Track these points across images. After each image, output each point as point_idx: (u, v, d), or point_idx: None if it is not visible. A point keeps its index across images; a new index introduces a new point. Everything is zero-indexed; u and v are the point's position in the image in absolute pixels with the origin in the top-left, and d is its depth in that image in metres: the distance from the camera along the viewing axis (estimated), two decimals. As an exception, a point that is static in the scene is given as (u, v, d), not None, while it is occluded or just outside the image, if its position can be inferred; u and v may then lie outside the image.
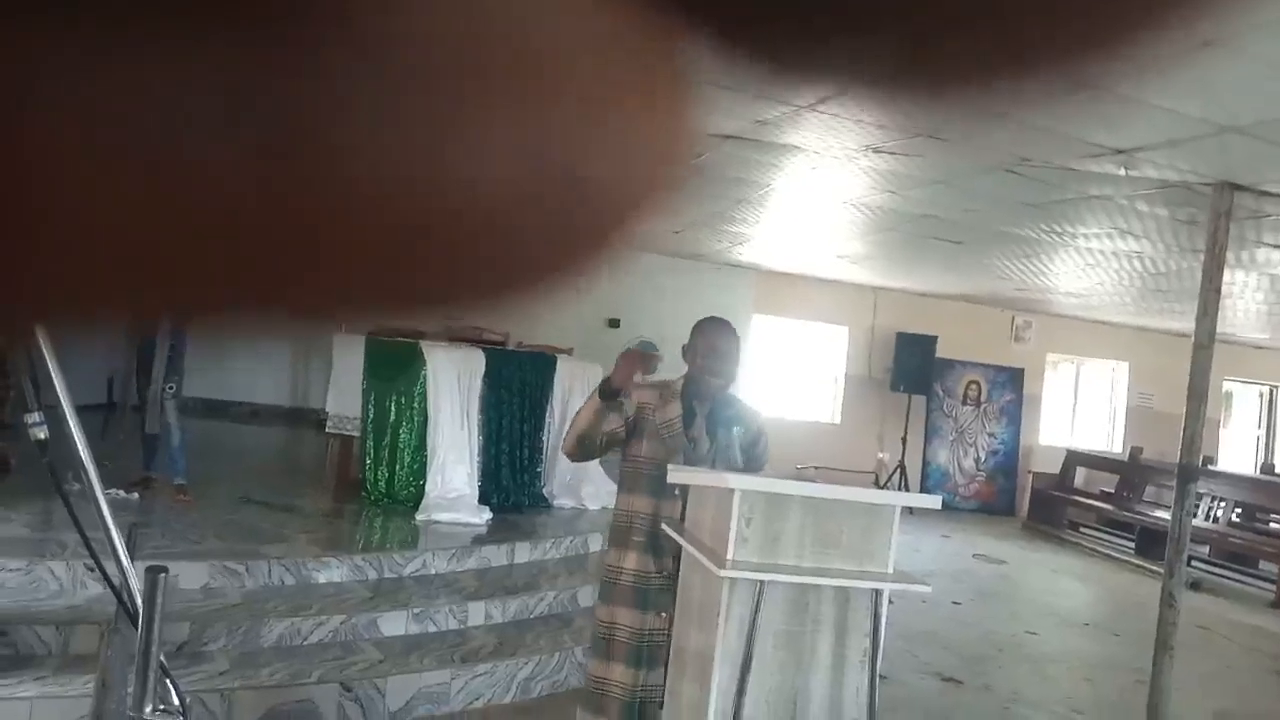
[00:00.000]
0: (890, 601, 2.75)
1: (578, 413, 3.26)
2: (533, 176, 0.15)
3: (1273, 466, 14.77)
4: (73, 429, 1.47)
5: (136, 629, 1.48)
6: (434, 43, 0.13)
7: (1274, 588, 9.32)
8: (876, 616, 2.58)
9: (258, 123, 0.13)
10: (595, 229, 0.16)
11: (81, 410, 1.50)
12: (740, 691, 2.45)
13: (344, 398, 6.83)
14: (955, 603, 7.71)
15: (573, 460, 3.48)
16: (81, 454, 1.49)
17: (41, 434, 1.50)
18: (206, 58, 0.12)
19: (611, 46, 0.15)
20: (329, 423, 6.95)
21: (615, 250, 0.17)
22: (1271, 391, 16.14)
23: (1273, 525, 10.80)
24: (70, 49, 0.11)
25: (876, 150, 5.75)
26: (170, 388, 6.16)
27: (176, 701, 1.53)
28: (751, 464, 3.26)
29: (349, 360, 6.84)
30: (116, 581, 1.55)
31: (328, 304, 0.15)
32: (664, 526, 2.99)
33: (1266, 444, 16.16)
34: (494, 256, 0.16)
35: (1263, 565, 10.08)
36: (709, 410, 3.20)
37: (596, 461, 7.42)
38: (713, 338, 3.22)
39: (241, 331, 0.16)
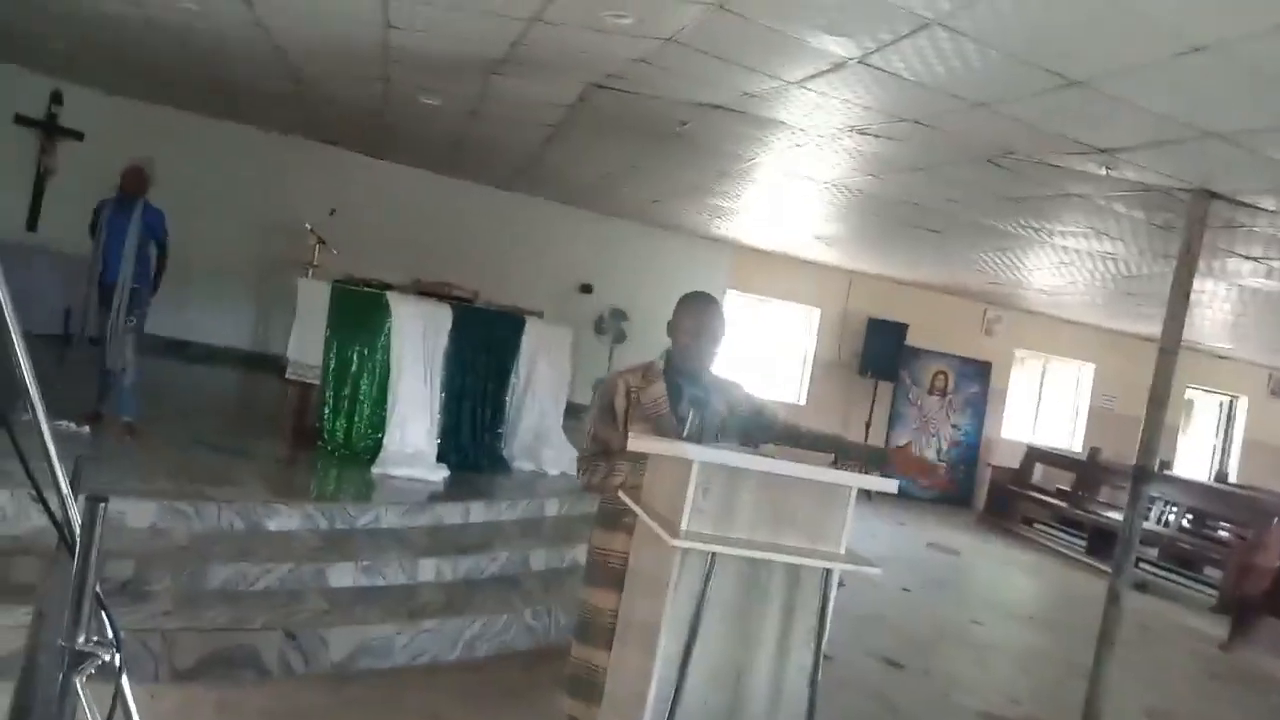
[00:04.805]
0: (841, 584, 2.74)
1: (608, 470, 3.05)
2: None
3: (1226, 475, 15.02)
4: (21, 356, 1.41)
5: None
6: None
7: (1217, 593, 9.49)
8: (825, 595, 2.57)
9: None
10: None
11: (37, 340, 1.44)
12: (685, 662, 2.43)
13: (306, 344, 6.68)
14: (905, 589, 7.78)
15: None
16: (29, 382, 1.43)
17: (-21, 358, 1.44)
18: None
19: None
20: (289, 369, 6.81)
21: None
22: (1231, 402, 16.38)
23: (1221, 532, 10.97)
24: None
25: (861, 132, 5.71)
26: (131, 320, 6.05)
27: (111, 634, 1.49)
28: (763, 430, 3.17)
29: (313, 306, 6.70)
30: (58, 513, 1.50)
31: None
32: (620, 494, 2.94)
33: (1222, 453, 16.42)
34: None
35: (1208, 570, 10.27)
36: (696, 388, 3.10)
37: (559, 425, 7.40)
38: (702, 317, 3.12)
39: None
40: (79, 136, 9.65)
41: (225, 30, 6.05)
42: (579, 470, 3.15)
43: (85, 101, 9.62)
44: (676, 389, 3.09)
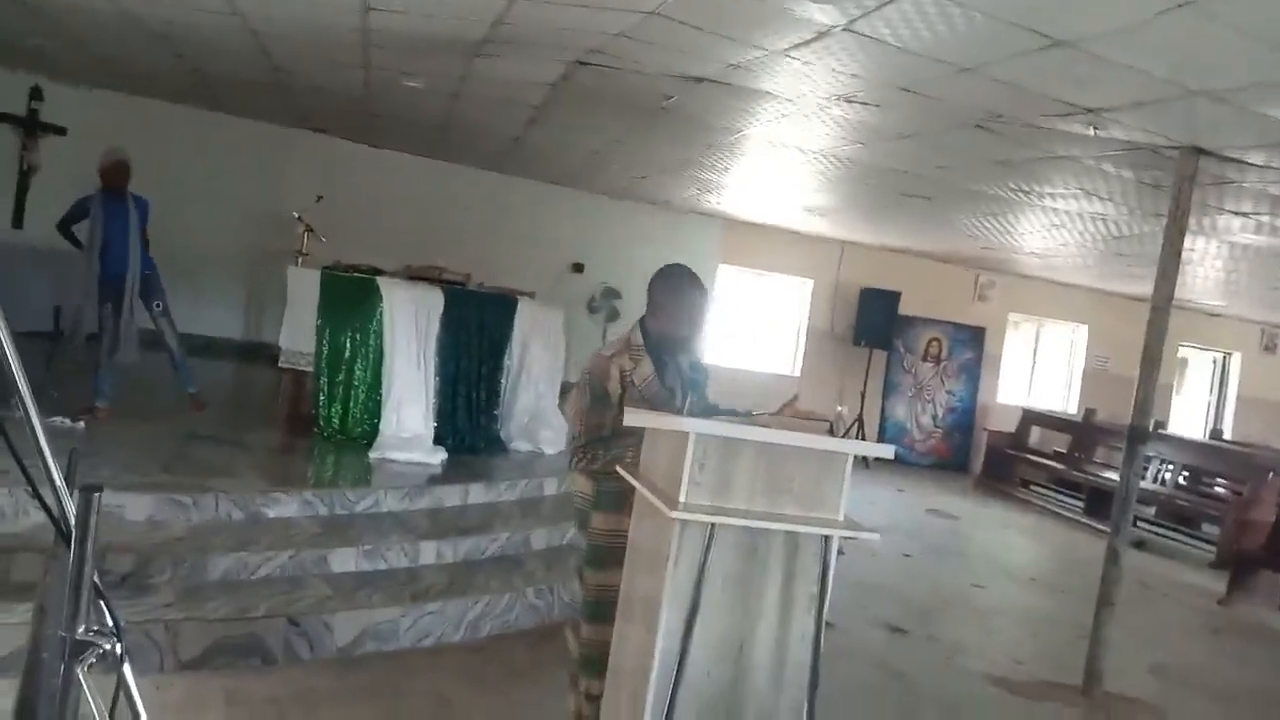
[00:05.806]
0: (840, 552, 2.75)
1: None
2: None
3: (1221, 432, 15.08)
4: (9, 353, 1.40)
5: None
6: None
7: (1214, 549, 9.55)
8: (825, 562, 2.57)
9: None
10: None
11: (27, 337, 1.44)
12: (687, 634, 2.44)
13: (298, 332, 6.68)
14: (906, 555, 7.82)
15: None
16: (19, 379, 1.43)
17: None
18: None
19: None
20: (282, 357, 6.81)
21: None
22: (1224, 359, 16.42)
23: (1217, 489, 11.03)
24: None
25: (848, 100, 5.68)
26: (158, 305, 6.41)
27: (110, 623, 1.49)
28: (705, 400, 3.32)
29: (304, 294, 6.68)
30: (54, 507, 1.51)
31: None
32: (618, 469, 2.95)
33: (1217, 410, 16.48)
34: None
35: (1205, 527, 10.33)
36: (691, 365, 3.29)
37: (555, 406, 7.40)
38: (694, 299, 3.22)
39: None
40: (61, 131, 9.56)
41: (201, 19, 5.99)
42: (577, 460, 3.14)
43: (66, 96, 9.52)
44: (661, 363, 3.20)
